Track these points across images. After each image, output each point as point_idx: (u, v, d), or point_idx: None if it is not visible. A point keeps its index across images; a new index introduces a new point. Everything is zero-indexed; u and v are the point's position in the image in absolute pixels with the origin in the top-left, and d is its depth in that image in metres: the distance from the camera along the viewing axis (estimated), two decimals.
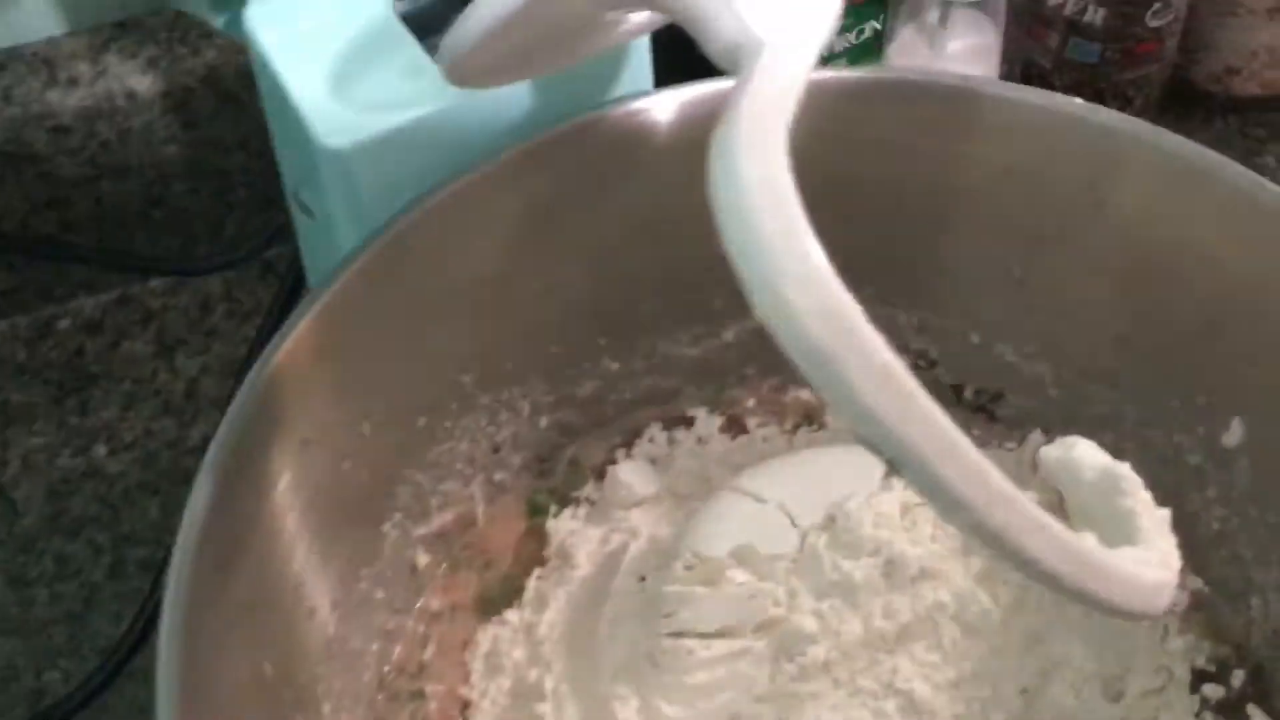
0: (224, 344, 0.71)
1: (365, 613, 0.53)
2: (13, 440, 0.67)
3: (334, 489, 0.49)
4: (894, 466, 0.32)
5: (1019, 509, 0.33)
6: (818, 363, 0.31)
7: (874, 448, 0.32)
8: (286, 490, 0.46)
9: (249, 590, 0.44)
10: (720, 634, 0.51)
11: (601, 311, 0.57)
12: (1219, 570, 0.56)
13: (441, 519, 0.57)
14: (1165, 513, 0.43)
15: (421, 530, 0.56)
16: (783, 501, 0.53)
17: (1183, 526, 0.55)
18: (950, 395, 0.60)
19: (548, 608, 0.55)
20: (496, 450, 0.58)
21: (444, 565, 0.57)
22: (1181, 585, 0.56)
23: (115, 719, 0.57)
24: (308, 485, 0.47)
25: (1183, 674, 0.54)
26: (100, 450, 0.67)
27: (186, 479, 0.63)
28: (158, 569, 0.55)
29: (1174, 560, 0.42)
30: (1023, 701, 0.51)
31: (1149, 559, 0.41)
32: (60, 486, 0.66)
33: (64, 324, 0.73)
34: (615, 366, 0.59)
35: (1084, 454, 0.46)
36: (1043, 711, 0.51)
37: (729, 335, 0.59)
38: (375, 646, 0.54)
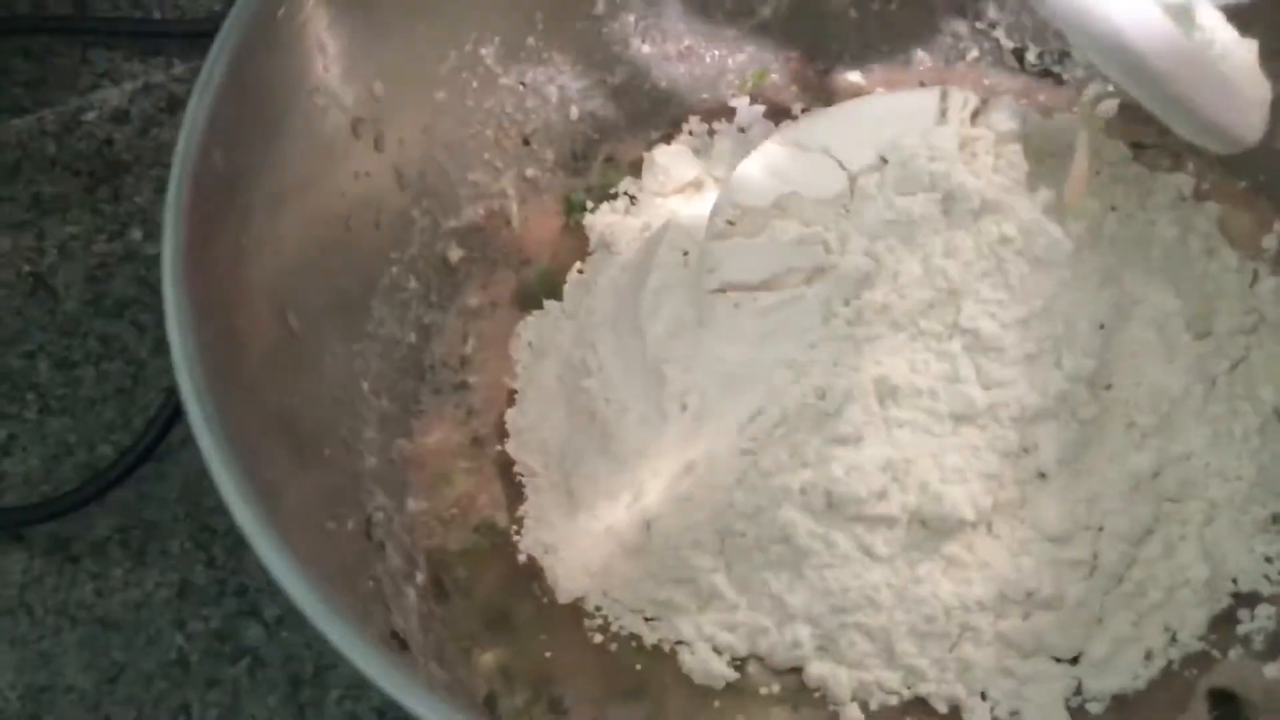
0: None
1: (399, 299, 0.51)
2: (48, 231, 0.66)
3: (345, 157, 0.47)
4: None
5: None
6: None
7: None
8: (291, 137, 0.43)
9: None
10: (768, 285, 0.48)
11: None
12: None
13: (473, 212, 0.54)
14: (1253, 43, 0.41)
15: (452, 223, 0.54)
16: (828, 146, 0.49)
17: (1270, 171, 0.53)
18: (1013, 60, 0.57)
19: (590, 294, 0.53)
20: (527, 142, 0.55)
21: (479, 262, 0.54)
22: (1272, 230, 0.53)
23: (168, 484, 0.57)
24: (316, 135, 0.45)
25: (1276, 316, 0.51)
26: (136, 234, 0.66)
27: None
28: None
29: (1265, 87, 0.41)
30: (1100, 338, 0.48)
31: None
32: (98, 271, 0.65)
33: (91, 115, 0.72)
34: (646, 49, 0.56)
35: None
36: (1122, 347, 0.48)
37: (766, 11, 0.56)
38: (413, 338, 0.52)
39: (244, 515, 0.34)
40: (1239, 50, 0.45)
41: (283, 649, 0.53)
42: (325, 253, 0.46)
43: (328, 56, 0.45)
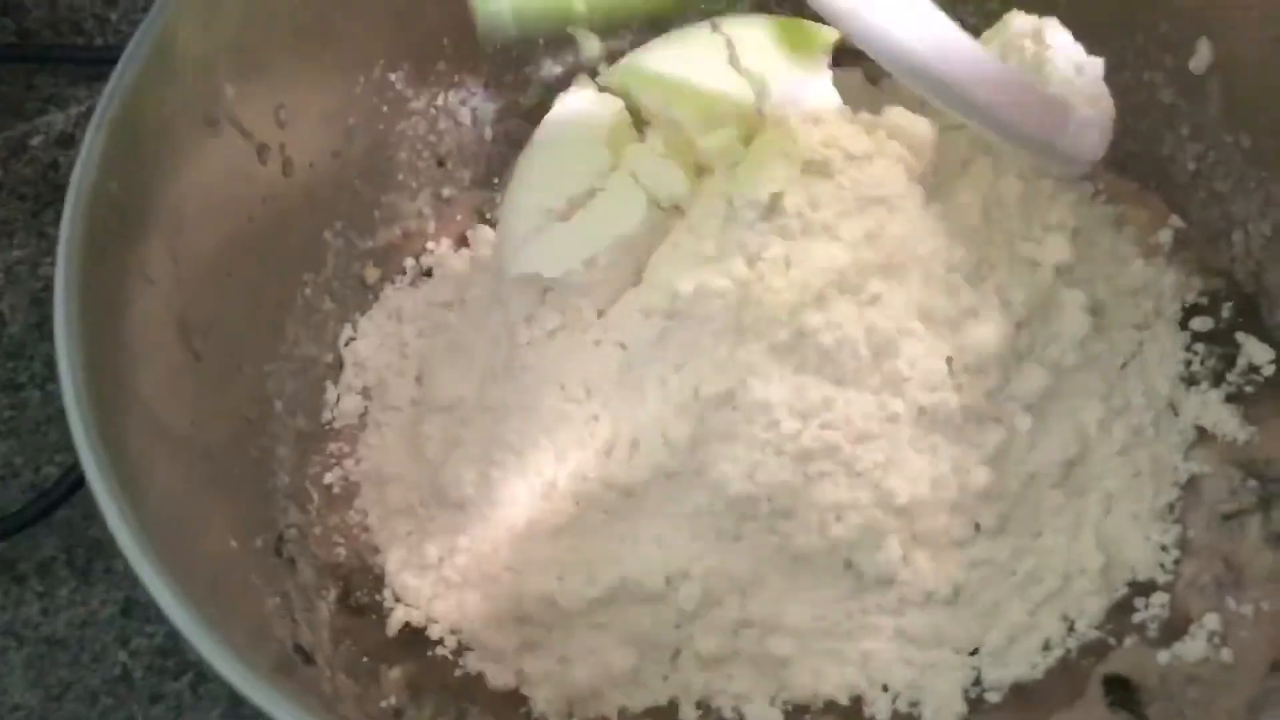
0: None
1: (314, 320, 0.52)
2: None
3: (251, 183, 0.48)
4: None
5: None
6: None
7: None
8: (192, 166, 0.44)
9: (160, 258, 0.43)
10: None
11: None
12: (1199, 212, 0.54)
13: (389, 233, 0.55)
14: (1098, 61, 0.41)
15: (368, 243, 0.55)
16: None
17: (1159, 173, 0.54)
18: None
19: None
20: (441, 164, 0.56)
21: (396, 280, 0.56)
22: (1166, 224, 0.54)
23: None
24: (218, 163, 0.46)
25: (1170, 311, 0.52)
26: None
27: None
28: None
29: (1107, 105, 0.41)
30: None
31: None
32: (44, 295, 0.66)
33: (37, 140, 0.73)
34: (558, 71, 0.57)
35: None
36: None
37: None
38: (329, 357, 0.53)
39: (124, 538, 0.35)
40: (1083, 69, 0.46)
41: None
42: (233, 276, 0.47)
43: (229, 85, 0.46)
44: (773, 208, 0.45)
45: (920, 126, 0.47)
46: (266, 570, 0.44)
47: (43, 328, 0.64)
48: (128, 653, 0.54)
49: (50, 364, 0.62)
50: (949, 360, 0.46)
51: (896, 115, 0.48)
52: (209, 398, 0.44)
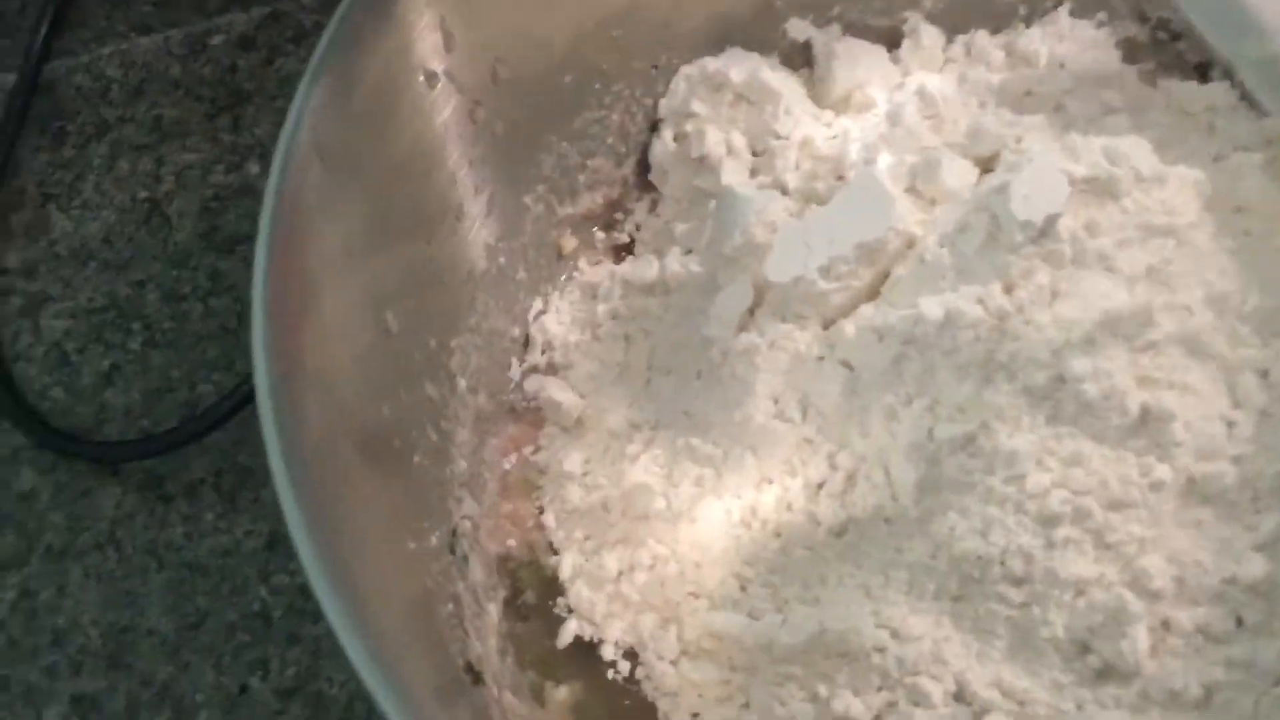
0: None
1: (505, 290, 0.49)
2: (167, 157, 0.65)
3: (467, 136, 0.44)
4: None
5: None
6: None
7: None
8: (403, 124, 0.41)
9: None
10: None
11: None
12: None
13: (590, 200, 0.51)
14: None
15: (568, 210, 0.51)
16: None
17: None
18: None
19: None
20: (654, 127, 0.52)
21: (590, 250, 0.52)
22: None
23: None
24: (430, 121, 0.42)
25: None
26: (253, 168, 0.65)
27: None
28: None
29: None
30: None
31: None
32: (213, 203, 0.64)
33: (217, 40, 0.71)
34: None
35: None
36: None
37: None
38: (516, 331, 0.50)
39: (319, 583, 0.32)
40: None
41: None
42: (431, 244, 0.43)
43: (450, 39, 0.42)
44: (1045, 231, 0.39)
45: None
46: (441, 571, 0.41)
47: (209, 238, 0.62)
48: (268, 589, 0.53)
49: (215, 277, 0.61)
50: (1230, 426, 0.40)
51: None
52: (398, 380, 0.41)
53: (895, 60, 0.51)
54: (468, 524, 0.44)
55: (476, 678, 0.39)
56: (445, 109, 0.43)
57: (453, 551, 0.42)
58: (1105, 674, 0.39)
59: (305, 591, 0.52)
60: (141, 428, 0.57)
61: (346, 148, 0.38)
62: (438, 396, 0.44)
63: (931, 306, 0.40)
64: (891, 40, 0.52)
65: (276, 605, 0.52)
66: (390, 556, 0.37)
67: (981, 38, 0.50)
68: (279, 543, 0.53)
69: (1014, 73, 0.48)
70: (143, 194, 0.64)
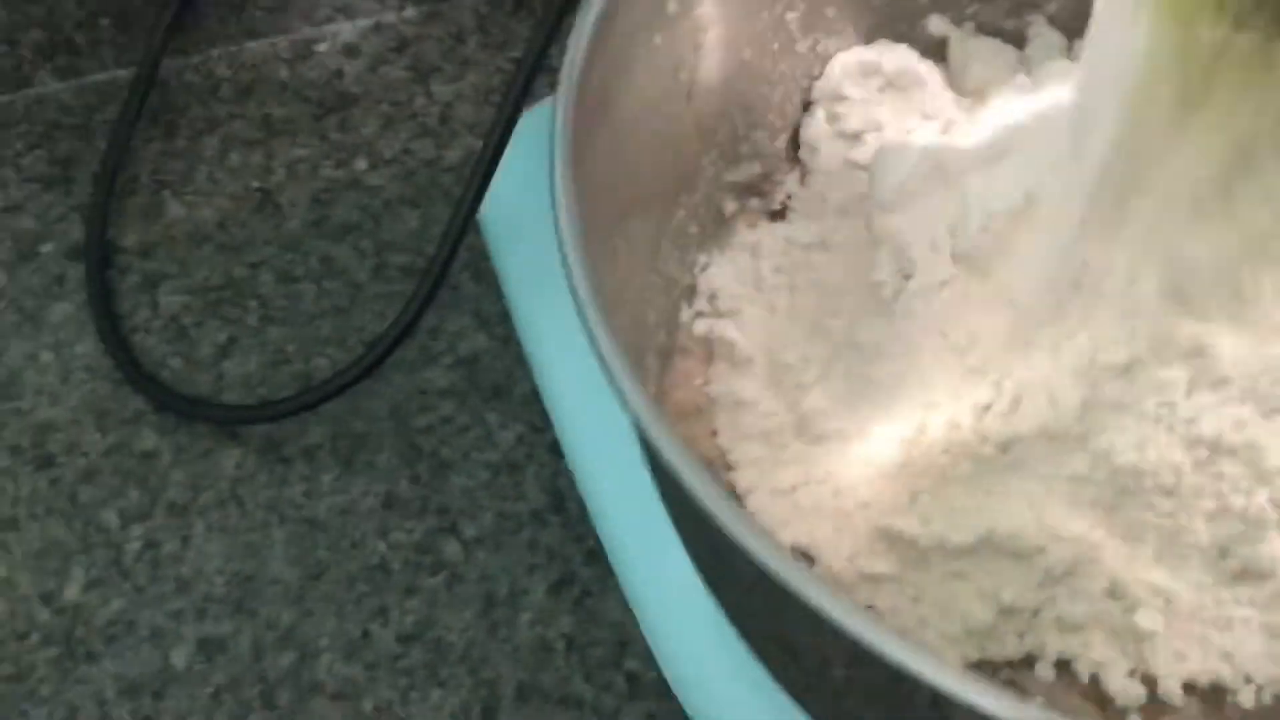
0: (477, 73, 0.72)
1: (682, 243, 0.53)
2: (277, 151, 0.69)
3: (668, 95, 0.49)
4: None
5: None
6: None
7: None
8: (640, 71, 0.46)
9: None
10: None
11: None
12: None
13: (749, 169, 0.56)
14: None
15: (731, 176, 0.56)
16: None
17: None
18: None
19: None
20: (807, 107, 0.57)
21: (746, 216, 0.56)
22: None
23: (379, 402, 0.59)
24: (657, 76, 0.47)
25: None
26: (360, 164, 0.68)
27: (444, 195, 0.65)
28: (419, 274, 0.56)
29: None
30: None
31: None
32: (323, 195, 0.67)
33: (323, 46, 0.74)
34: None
35: None
36: None
37: None
38: (688, 280, 0.54)
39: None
40: None
41: (479, 568, 0.55)
42: (641, 190, 0.48)
43: (672, 3, 0.47)
44: None
45: None
46: None
47: (320, 226, 0.66)
48: (386, 544, 0.56)
49: (326, 261, 0.65)
50: None
51: None
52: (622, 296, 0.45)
53: (1021, 60, 0.58)
54: None
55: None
56: (666, 67, 0.48)
57: None
58: (1242, 576, 0.44)
59: (421, 548, 0.56)
60: (259, 395, 0.60)
61: (606, 85, 0.43)
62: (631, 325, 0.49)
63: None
64: (1018, 41, 0.59)
65: (394, 559, 0.55)
66: None
67: None
68: (395, 503, 0.57)
69: None
70: (254, 184, 0.67)
